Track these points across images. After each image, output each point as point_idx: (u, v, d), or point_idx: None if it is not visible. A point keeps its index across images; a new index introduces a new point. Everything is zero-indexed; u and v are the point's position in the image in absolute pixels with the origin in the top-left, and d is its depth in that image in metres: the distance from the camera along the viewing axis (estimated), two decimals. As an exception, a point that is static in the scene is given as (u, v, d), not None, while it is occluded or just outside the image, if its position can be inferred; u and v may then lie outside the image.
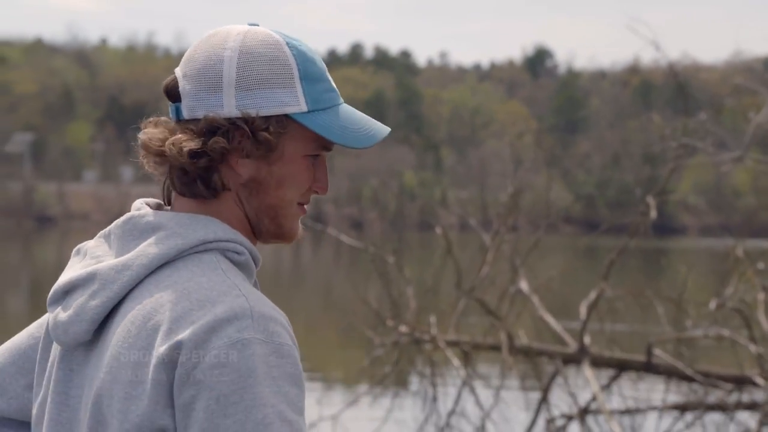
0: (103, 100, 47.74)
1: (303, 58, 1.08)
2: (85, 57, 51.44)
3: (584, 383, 6.09)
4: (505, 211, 6.50)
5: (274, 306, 1.03)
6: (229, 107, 1.05)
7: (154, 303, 1.01)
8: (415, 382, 6.49)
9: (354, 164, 44.40)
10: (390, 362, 6.50)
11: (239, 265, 1.06)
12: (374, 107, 52.00)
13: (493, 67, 64.65)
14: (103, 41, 59.37)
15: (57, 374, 1.07)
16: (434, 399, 6.22)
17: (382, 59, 59.17)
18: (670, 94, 53.29)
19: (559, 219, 7.31)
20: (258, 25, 1.10)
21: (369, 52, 61.13)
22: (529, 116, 53.29)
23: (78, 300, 1.04)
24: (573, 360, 5.94)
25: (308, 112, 1.06)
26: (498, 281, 6.46)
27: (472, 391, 6.17)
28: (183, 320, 0.99)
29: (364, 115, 1.11)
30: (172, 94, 1.08)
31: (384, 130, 1.11)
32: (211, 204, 1.07)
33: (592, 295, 6.09)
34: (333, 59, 58.39)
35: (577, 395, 5.97)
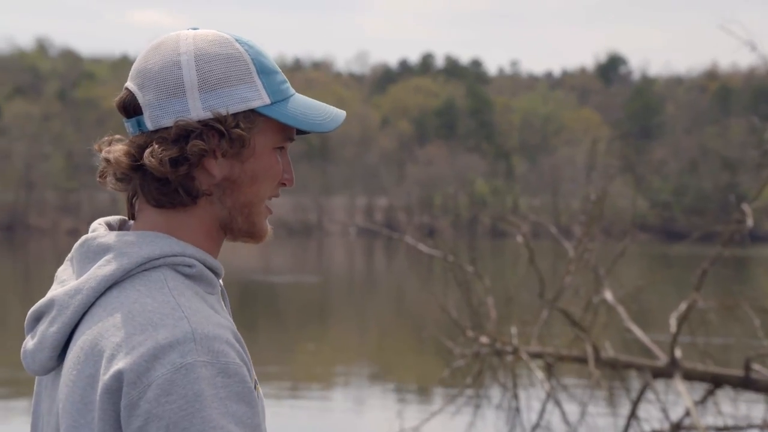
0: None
1: (255, 53, 1.08)
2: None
3: (676, 398, 5.85)
4: (589, 219, 6.32)
5: (219, 323, 1.02)
6: (196, 110, 1.05)
7: (101, 328, 1.01)
8: (496, 394, 6.35)
9: (425, 173, 44.33)
10: (470, 374, 6.39)
11: (193, 278, 1.05)
12: (445, 116, 51.87)
13: (565, 74, 63.75)
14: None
15: (33, 402, 1.10)
16: (517, 411, 6.07)
17: (453, 68, 59.01)
18: (749, 99, 51.52)
19: (635, 227, 7.09)
20: (199, 29, 1.10)
21: (440, 62, 61.06)
22: (601, 123, 52.29)
23: (41, 327, 1.05)
24: (663, 374, 5.71)
25: (271, 104, 1.06)
26: (581, 291, 6.28)
27: (557, 404, 6.00)
28: (124, 346, 0.98)
29: (316, 101, 1.11)
30: (129, 108, 1.07)
31: (340, 113, 1.11)
32: (178, 212, 1.06)
33: (683, 306, 5.85)
34: (404, 69, 58.54)
35: (670, 410, 5.74)
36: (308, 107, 1.09)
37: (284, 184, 1.11)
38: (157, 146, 1.04)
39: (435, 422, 6.22)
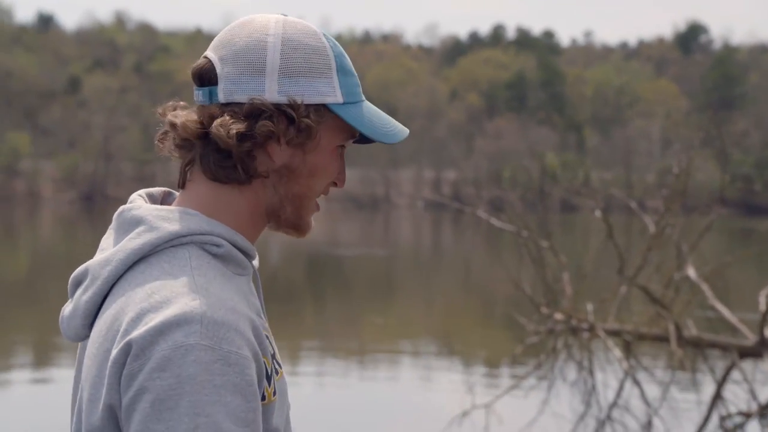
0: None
1: (338, 51, 1.09)
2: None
3: (765, 379, 5.55)
4: (671, 193, 6.01)
5: (235, 308, 1.00)
6: (271, 92, 1.05)
7: (123, 302, 1.01)
8: (571, 372, 6.15)
9: (494, 146, 43.78)
10: (543, 351, 6.21)
11: (220, 258, 1.04)
12: (515, 88, 50.99)
13: (641, 44, 61.80)
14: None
15: (75, 368, 1.11)
16: (593, 389, 5.87)
17: (524, 40, 57.87)
18: (840, 66, 48.87)
19: (720, 200, 6.73)
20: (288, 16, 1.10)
21: (511, 33, 59.99)
22: (679, 94, 50.51)
23: (77, 294, 1.07)
24: (752, 353, 5.42)
25: (343, 104, 1.07)
26: (663, 267, 6.00)
27: (637, 383, 5.77)
28: (137, 322, 0.98)
29: (382, 112, 1.11)
30: (205, 78, 1.07)
31: (405, 130, 1.11)
32: (228, 189, 1.06)
33: (774, 283, 5.52)
34: (474, 41, 57.72)
35: (758, 391, 5.45)
36: (376, 116, 1.09)
37: (335, 184, 1.11)
38: (228, 118, 1.04)
39: (507, 399, 6.07)
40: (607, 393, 5.96)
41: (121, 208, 1.08)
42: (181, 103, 1.09)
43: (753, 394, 5.41)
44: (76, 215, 35.54)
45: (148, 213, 1.06)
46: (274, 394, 1.03)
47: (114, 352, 0.98)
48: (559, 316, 6.00)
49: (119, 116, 43.55)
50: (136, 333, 0.97)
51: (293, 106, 1.05)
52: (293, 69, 1.05)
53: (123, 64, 48.74)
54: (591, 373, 5.91)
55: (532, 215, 7.07)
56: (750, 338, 5.49)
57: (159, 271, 1.01)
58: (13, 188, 39.88)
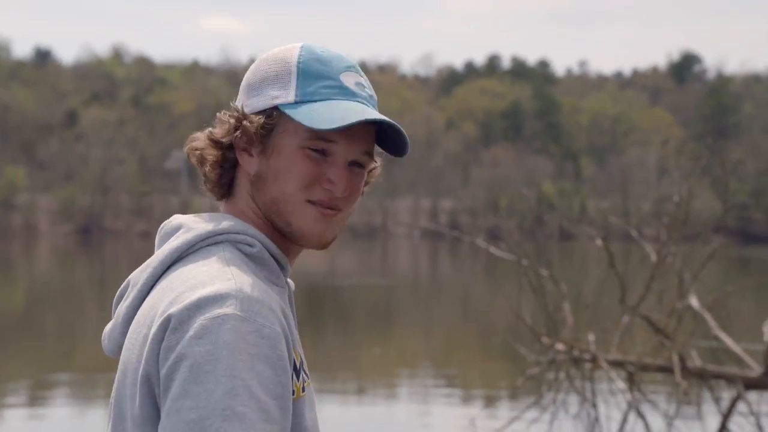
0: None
1: (309, 57, 1.10)
2: (236, 77, 53.91)
3: (770, 411, 5.45)
4: (672, 222, 5.96)
5: (268, 293, 1.04)
6: (240, 107, 1.12)
7: (160, 293, 1.06)
8: (573, 403, 6.05)
9: (490, 174, 43.83)
10: (545, 382, 6.11)
11: (252, 258, 1.08)
12: (511, 118, 51.22)
13: (636, 74, 62.27)
14: (252, 61, 61.67)
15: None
16: (596, 422, 5.77)
17: (520, 69, 58.30)
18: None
19: (709, 229, 6.70)
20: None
21: (506, 63, 60.40)
22: (674, 123, 50.78)
23: (119, 307, 1.13)
24: (757, 385, 5.33)
25: (295, 102, 1.08)
26: (665, 297, 5.93)
27: (641, 415, 5.67)
28: (175, 302, 1.03)
29: (367, 108, 1.08)
30: None
31: (360, 116, 1.06)
32: (230, 204, 1.14)
33: (777, 313, 5.45)
34: (469, 71, 58.10)
35: (765, 424, 5.35)
36: (339, 108, 1.07)
37: (328, 190, 1.09)
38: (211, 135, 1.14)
39: (509, 431, 5.96)
40: (610, 425, 5.86)
41: (163, 224, 1.15)
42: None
43: (759, 427, 5.31)
44: (73, 248, 35.43)
45: (186, 219, 1.13)
46: (303, 390, 1.06)
47: (153, 329, 1.02)
48: (560, 346, 5.91)
49: (117, 149, 43.61)
50: (174, 309, 1.02)
51: (238, 114, 1.10)
52: (255, 82, 1.12)
53: (120, 97, 48.95)
54: (594, 404, 5.82)
55: (530, 244, 7.02)
56: (755, 369, 5.41)
57: (194, 264, 1.06)
58: (10, 222, 39.81)
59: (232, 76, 55.11)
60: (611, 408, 6.01)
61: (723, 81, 55.82)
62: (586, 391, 5.83)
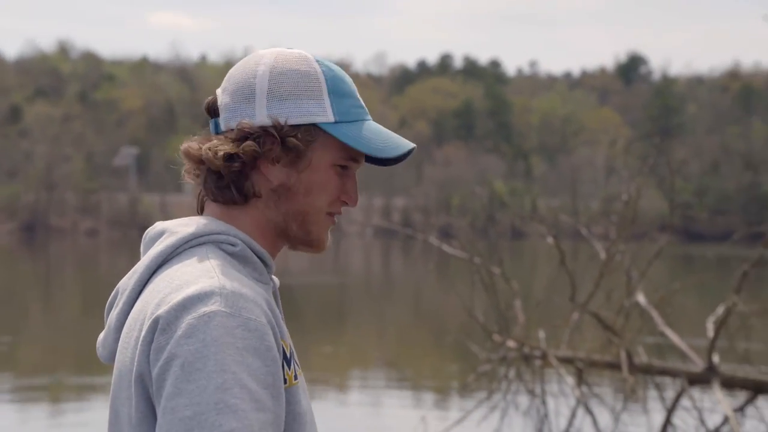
0: (202, 115, 48.95)
1: (331, 74, 1.15)
2: (186, 73, 53.29)
3: (713, 405, 5.58)
4: (621, 220, 6.06)
5: (252, 288, 1.08)
6: (261, 116, 1.13)
7: (148, 296, 1.10)
8: (524, 400, 6.11)
9: (443, 173, 44.08)
10: (496, 379, 6.15)
11: (236, 257, 1.11)
12: (463, 117, 51.58)
13: (584, 74, 63.29)
14: (203, 58, 61.42)
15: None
16: (545, 418, 5.83)
17: (472, 69, 58.75)
18: (773, 98, 50.90)
19: (654, 228, 6.85)
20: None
21: (458, 62, 60.80)
22: (621, 124, 51.75)
23: (110, 314, 1.16)
24: (700, 380, 5.45)
25: (335, 122, 1.12)
26: (613, 294, 6.02)
27: (589, 411, 5.75)
28: (163, 303, 1.06)
29: (391, 132, 1.16)
30: (211, 110, 1.17)
31: (407, 144, 1.15)
32: (236, 209, 1.14)
33: (720, 309, 5.58)
34: (422, 70, 58.31)
35: (706, 418, 5.47)
36: (375, 133, 1.14)
37: (345, 203, 1.16)
38: (216, 141, 1.13)
39: (459, 428, 5.99)
40: (559, 421, 5.92)
41: (146, 231, 1.17)
42: (196, 136, 1.17)
43: (702, 421, 5.43)
44: (17, 246, 34.48)
45: (169, 224, 1.16)
46: (296, 378, 1.09)
47: (143, 332, 1.06)
48: (511, 343, 5.96)
49: (62, 145, 42.59)
50: (161, 310, 1.05)
51: (277, 126, 1.12)
52: (280, 93, 1.13)
53: (66, 92, 47.79)
54: (543, 401, 5.87)
55: (482, 242, 7.06)
56: (699, 364, 5.52)
57: (179, 265, 1.09)
58: (-49, 218, 38.55)
59: (182, 72, 54.29)
60: (560, 404, 6.08)
61: (668, 82, 57.10)
62: (536, 387, 5.89)
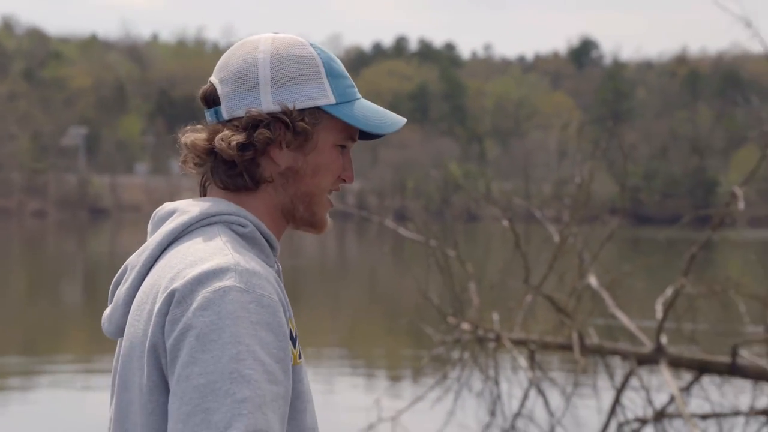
0: (154, 94, 48.33)
1: (326, 57, 1.19)
2: (137, 52, 52.16)
3: (661, 385, 5.71)
4: (574, 203, 6.13)
5: (264, 267, 1.12)
6: (266, 103, 1.16)
7: (160, 271, 1.12)
8: (477, 382, 6.17)
9: (397, 156, 44.10)
10: (450, 361, 6.20)
11: (245, 238, 1.15)
12: (418, 99, 51.60)
13: (538, 58, 63.80)
14: (155, 37, 60.20)
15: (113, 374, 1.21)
16: (498, 399, 5.90)
17: (427, 52, 58.74)
18: (717, 84, 51.95)
19: (604, 211, 6.96)
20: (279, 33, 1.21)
21: (413, 45, 60.71)
22: (574, 107, 52.40)
23: (118, 290, 1.18)
24: (649, 360, 5.57)
25: (336, 104, 1.17)
26: (566, 277, 6.10)
27: (541, 392, 5.83)
28: (177, 277, 1.09)
29: (380, 107, 1.21)
30: (210, 100, 1.19)
31: (401, 119, 1.22)
32: (241, 195, 1.17)
33: (669, 291, 5.70)
34: (377, 52, 58.12)
35: (654, 398, 5.60)
36: (371, 111, 1.19)
37: (344, 181, 1.20)
38: (228, 131, 1.15)
39: (414, 410, 6.02)
40: (512, 403, 6.00)
41: (155, 211, 1.19)
42: (199, 126, 1.18)
43: (649, 401, 5.55)
44: (-41, 226, 33.45)
45: (179, 204, 1.18)
46: (300, 357, 1.12)
47: (157, 304, 1.08)
48: (466, 326, 6.00)
49: (7, 124, 41.39)
50: (177, 284, 1.08)
51: (287, 112, 1.15)
52: (284, 79, 1.16)
53: (11, 70, 46.38)
54: (496, 383, 5.94)
55: (437, 225, 7.07)
56: (647, 345, 5.64)
57: (191, 243, 1.12)
58: None
59: (132, 51, 53.08)
60: (513, 386, 6.15)
61: (618, 67, 57.88)
62: (490, 369, 5.95)
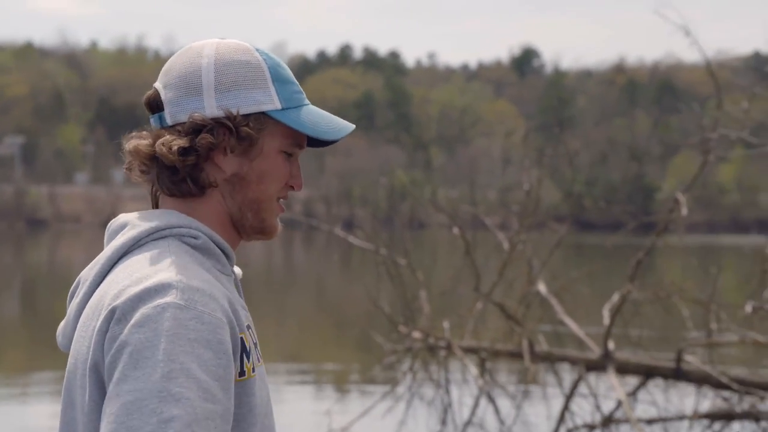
0: (93, 103, 47.29)
1: (272, 62, 1.18)
2: (75, 60, 51.01)
3: (607, 391, 5.78)
4: (524, 211, 6.18)
5: (211, 282, 1.09)
6: (210, 108, 1.14)
7: (107, 286, 1.11)
8: (428, 391, 6.16)
9: (344, 164, 44.07)
10: (401, 370, 6.17)
11: (199, 249, 1.14)
12: (363, 107, 51.66)
13: (481, 67, 64.59)
14: (94, 44, 58.92)
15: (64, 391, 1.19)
16: (449, 407, 5.89)
17: (371, 60, 58.93)
18: (654, 92, 53.45)
19: (549, 218, 7.06)
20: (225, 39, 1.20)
21: (358, 53, 60.86)
22: (517, 115, 53.19)
23: (70, 306, 1.17)
24: (597, 366, 5.64)
25: (283, 109, 1.16)
26: (515, 284, 6.14)
27: (491, 400, 5.85)
28: (121, 294, 1.08)
29: (328, 113, 1.20)
30: (153, 105, 1.17)
31: (349, 125, 1.20)
32: (193, 201, 1.16)
33: (615, 297, 5.78)
34: (322, 60, 58.03)
35: (601, 403, 5.67)
36: (319, 116, 1.18)
37: (293, 188, 1.19)
38: (169, 136, 1.13)
39: (364, 420, 5.98)
40: (462, 411, 6.00)
41: (109, 222, 1.18)
42: (144, 132, 1.16)
43: (597, 406, 5.62)
44: None
45: (131, 217, 1.17)
46: (253, 370, 1.10)
47: (99, 321, 1.07)
48: (417, 334, 5.99)
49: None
50: (118, 301, 1.07)
51: (230, 117, 1.13)
52: (228, 84, 1.14)
53: (-58, 76, 44.85)
54: (447, 391, 5.94)
55: (385, 233, 7.05)
56: (595, 351, 5.71)
57: (140, 257, 1.11)
58: None
59: (70, 59, 51.86)
60: (464, 394, 6.16)
61: (559, 75, 59.01)
62: (441, 378, 5.94)
